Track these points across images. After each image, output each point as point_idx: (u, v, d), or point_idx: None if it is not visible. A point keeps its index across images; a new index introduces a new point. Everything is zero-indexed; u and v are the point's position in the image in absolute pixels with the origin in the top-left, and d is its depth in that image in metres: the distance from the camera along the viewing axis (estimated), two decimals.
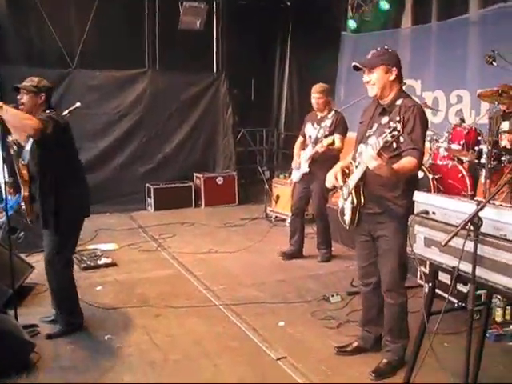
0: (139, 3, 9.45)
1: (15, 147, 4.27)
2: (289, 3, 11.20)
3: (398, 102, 3.52)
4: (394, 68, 3.53)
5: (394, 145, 3.25)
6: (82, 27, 8.94)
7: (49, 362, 3.96)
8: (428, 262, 3.10)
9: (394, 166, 3.25)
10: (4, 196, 4.57)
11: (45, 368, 3.87)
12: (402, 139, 3.22)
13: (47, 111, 4.26)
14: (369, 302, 3.95)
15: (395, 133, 3.07)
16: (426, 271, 4.29)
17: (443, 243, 2.44)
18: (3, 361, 3.70)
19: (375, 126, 3.60)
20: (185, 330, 4.51)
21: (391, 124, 3.13)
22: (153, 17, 9.59)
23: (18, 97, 4.28)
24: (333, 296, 5.08)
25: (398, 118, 3.15)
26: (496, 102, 5.65)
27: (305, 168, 6.24)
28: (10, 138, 4.27)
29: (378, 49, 3.56)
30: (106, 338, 4.35)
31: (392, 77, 3.52)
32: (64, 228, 4.28)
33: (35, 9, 8.65)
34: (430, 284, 3.01)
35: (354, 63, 3.53)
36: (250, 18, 10.37)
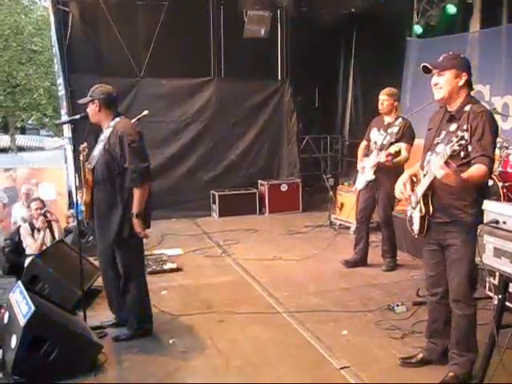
0: (205, 13, 9.62)
1: (85, 153, 4.39)
2: (353, 10, 11.11)
3: (467, 108, 3.42)
4: (464, 73, 3.44)
5: (462, 154, 3.17)
6: (150, 37, 9.20)
7: (114, 363, 4.07)
8: (498, 273, 3.00)
9: (463, 174, 3.16)
10: (75, 201, 4.70)
11: (111, 369, 3.98)
12: (469, 148, 3.14)
13: (117, 118, 4.38)
14: (435, 312, 3.85)
15: (462, 142, 3.00)
16: (496, 282, 4.15)
17: None
18: (72, 360, 3.83)
19: (443, 133, 3.52)
20: (247, 337, 4.52)
21: (459, 133, 3.05)
22: (218, 26, 9.76)
23: (87, 110, 4.45)
24: (397, 306, 4.97)
25: (465, 127, 3.07)
26: None
27: (370, 175, 6.14)
28: (81, 146, 4.41)
29: (450, 53, 3.49)
30: (170, 341, 4.42)
31: (461, 82, 3.43)
32: (130, 239, 4.36)
33: (105, 20, 8.96)
34: (500, 296, 2.91)
35: (424, 64, 3.46)
36: (313, 25, 10.36)
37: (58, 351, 3.74)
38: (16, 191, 8.90)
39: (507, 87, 8.17)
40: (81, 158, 4.40)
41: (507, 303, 3.18)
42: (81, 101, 4.46)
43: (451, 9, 9.03)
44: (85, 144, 4.40)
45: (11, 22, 21.70)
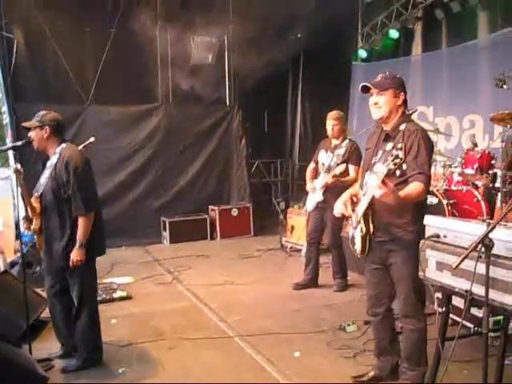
0: (152, 39, 9.59)
1: (21, 176, 4.26)
2: (299, 35, 11.31)
3: (402, 127, 3.50)
4: (402, 93, 3.54)
5: (398, 172, 3.24)
6: (96, 64, 9.13)
7: None
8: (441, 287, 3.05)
9: (401, 192, 3.21)
10: (20, 232, 4.57)
11: None
12: (404, 166, 3.21)
13: (63, 144, 4.30)
14: (379, 332, 3.89)
15: (397, 160, 3.05)
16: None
17: (454, 266, 2.41)
18: None
19: (380, 152, 3.59)
20: (200, 362, 4.45)
21: (393, 151, 3.11)
22: (165, 52, 9.73)
23: (29, 134, 4.31)
24: (349, 325, 5.00)
25: (399, 146, 3.13)
26: (508, 125, 5.63)
27: (319, 196, 6.20)
28: (15, 167, 4.27)
29: (387, 73, 3.58)
30: (120, 371, 4.31)
31: (399, 102, 3.53)
32: (82, 266, 4.26)
33: (51, 46, 8.84)
34: (444, 309, 2.96)
35: (363, 84, 3.53)
36: (260, 50, 10.46)
37: None
38: None
39: (449, 108, 8.46)
40: (18, 181, 4.26)
41: (454, 317, 3.23)
42: (27, 124, 4.31)
43: (394, 33, 9.38)
44: (19, 165, 4.28)
45: None
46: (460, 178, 6.31)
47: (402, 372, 3.72)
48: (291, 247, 8.42)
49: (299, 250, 8.08)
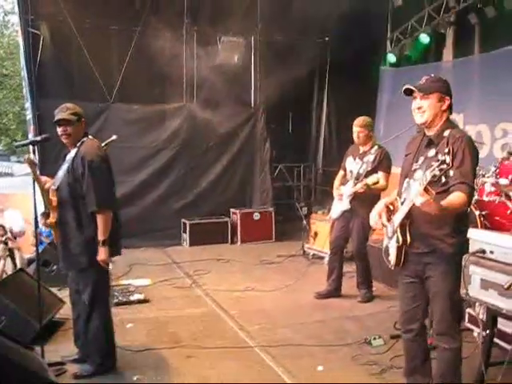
0: (178, 38, 9.48)
1: (35, 168, 4.11)
2: (327, 38, 11.13)
3: (446, 133, 3.29)
4: (447, 98, 3.34)
5: (443, 179, 3.02)
6: (121, 62, 9.04)
7: None
8: (484, 307, 2.83)
9: (443, 202, 3.01)
10: (37, 229, 4.41)
11: None
12: (451, 173, 2.99)
13: (84, 138, 4.19)
14: (411, 350, 3.63)
15: (444, 166, 2.84)
16: (475, 314, 3.99)
17: (506, 286, 2.19)
18: None
19: (421, 159, 3.38)
20: (217, 373, 4.26)
21: (439, 157, 2.90)
22: (191, 52, 9.61)
23: (60, 129, 4.14)
24: (375, 339, 4.76)
25: (446, 150, 2.92)
26: None
27: (346, 205, 5.99)
28: (25, 157, 4.14)
29: (432, 75, 3.40)
30: (134, 378, 4.15)
31: (444, 106, 3.32)
32: (97, 266, 4.11)
33: (76, 44, 8.77)
34: (488, 331, 2.73)
35: (407, 86, 3.34)
36: (287, 53, 10.31)
37: None
38: None
39: (480, 116, 8.21)
40: (33, 173, 4.10)
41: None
42: (67, 116, 4.10)
43: (424, 38, 9.11)
44: (31, 155, 4.15)
45: None
46: (492, 189, 6.06)
47: None
48: (314, 254, 8.20)
49: (322, 258, 7.86)
